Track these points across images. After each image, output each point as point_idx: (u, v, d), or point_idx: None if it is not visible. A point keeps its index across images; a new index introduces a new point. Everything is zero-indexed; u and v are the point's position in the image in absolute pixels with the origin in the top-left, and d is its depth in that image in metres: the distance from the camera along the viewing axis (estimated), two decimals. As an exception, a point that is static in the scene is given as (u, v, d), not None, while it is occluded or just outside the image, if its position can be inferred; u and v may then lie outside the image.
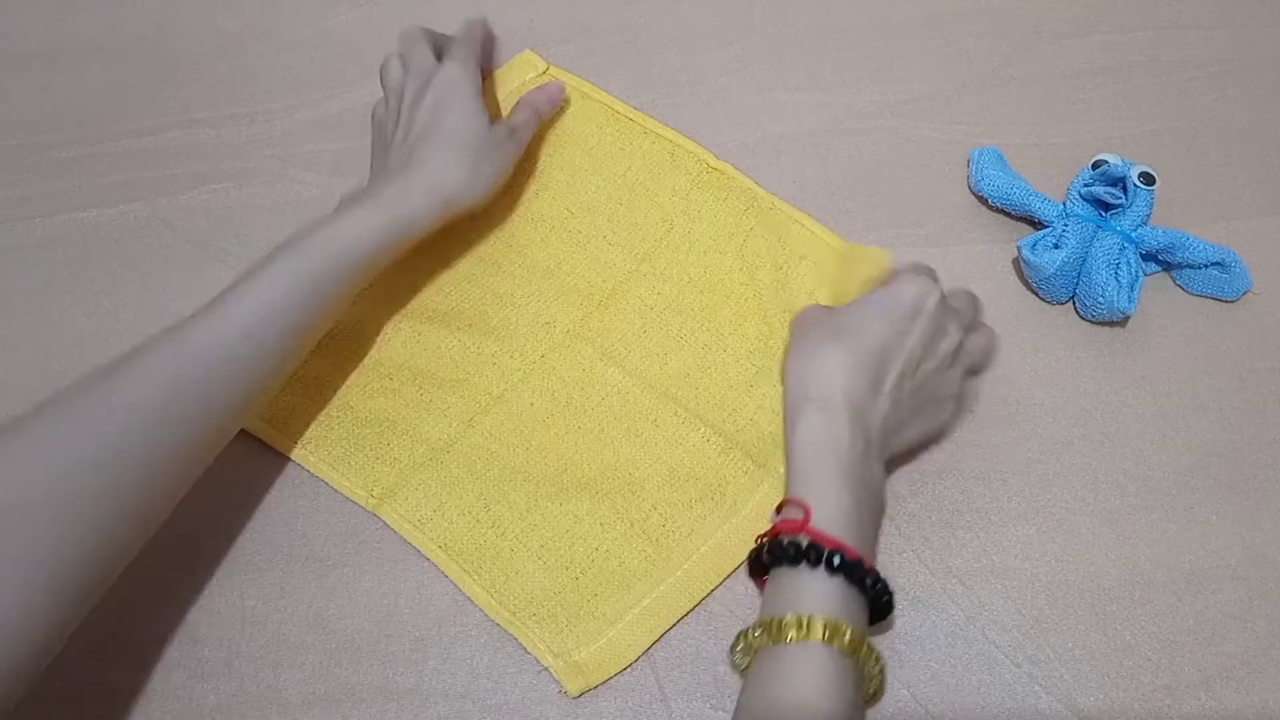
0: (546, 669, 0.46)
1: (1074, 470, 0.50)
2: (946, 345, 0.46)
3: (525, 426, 0.51)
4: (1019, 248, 0.54)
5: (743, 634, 0.41)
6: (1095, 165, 0.55)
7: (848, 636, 0.39)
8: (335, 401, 0.52)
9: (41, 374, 0.54)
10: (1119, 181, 0.54)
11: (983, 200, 0.58)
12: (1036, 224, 0.56)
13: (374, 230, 0.48)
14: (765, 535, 0.44)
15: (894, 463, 0.49)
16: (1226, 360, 0.53)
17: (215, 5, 0.69)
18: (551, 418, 0.52)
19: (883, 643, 0.45)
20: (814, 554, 0.41)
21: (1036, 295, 0.55)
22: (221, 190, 0.60)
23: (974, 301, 0.50)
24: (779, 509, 0.44)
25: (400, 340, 0.54)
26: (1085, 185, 0.55)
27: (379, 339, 0.54)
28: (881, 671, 0.41)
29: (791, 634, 0.39)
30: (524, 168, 0.58)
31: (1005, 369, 0.53)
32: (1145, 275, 0.54)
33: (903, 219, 0.58)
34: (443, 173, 0.51)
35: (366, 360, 0.53)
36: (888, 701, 0.44)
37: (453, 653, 0.46)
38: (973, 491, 0.49)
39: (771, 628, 0.40)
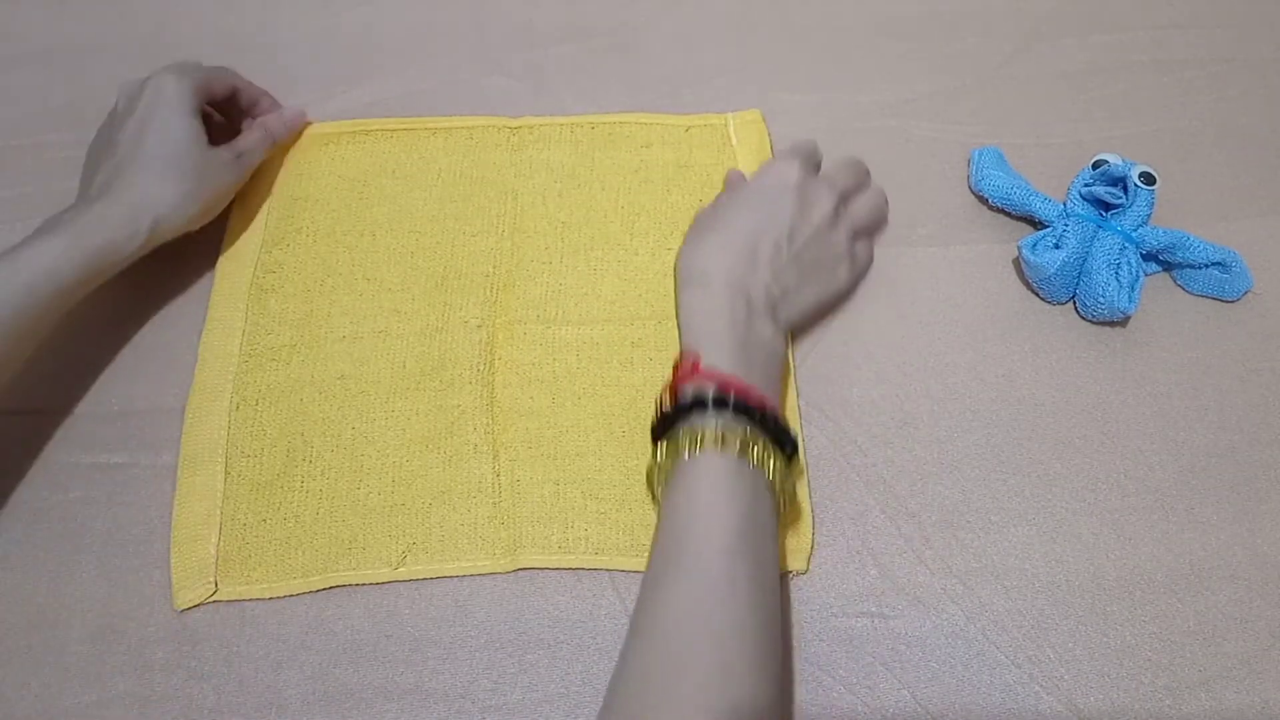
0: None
1: (1074, 470, 0.50)
2: (819, 212, 0.51)
3: (517, 424, 0.51)
4: (1019, 248, 0.54)
5: (665, 446, 0.43)
6: (1095, 165, 0.55)
7: (739, 441, 0.41)
8: (306, 514, 0.49)
9: (40, 373, 0.54)
10: (1119, 181, 0.54)
11: (983, 200, 0.58)
12: (1037, 224, 0.56)
13: (67, 261, 0.47)
14: (662, 393, 0.45)
15: (802, 326, 0.53)
16: (1227, 360, 0.53)
17: (215, 5, 0.69)
18: (536, 403, 0.52)
19: (883, 643, 0.46)
20: (703, 399, 0.43)
21: (1037, 295, 0.55)
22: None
23: (856, 167, 0.55)
24: (673, 371, 0.46)
25: (359, 428, 0.51)
26: (1085, 185, 0.55)
27: (332, 439, 0.51)
28: (787, 481, 0.44)
29: (686, 449, 0.42)
30: (338, 226, 0.57)
31: (1005, 369, 0.53)
32: (1146, 275, 0.54)
33: (903, 219, 0.58)
34: (147, 194, 0.49)
35: (330, 462, 0.50)
36: (888, 701, 0.44)
37: (453, 653, 0.46)
38: (973, 491, 0.49)
39: (672, 447, 0.43)
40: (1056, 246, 0.53)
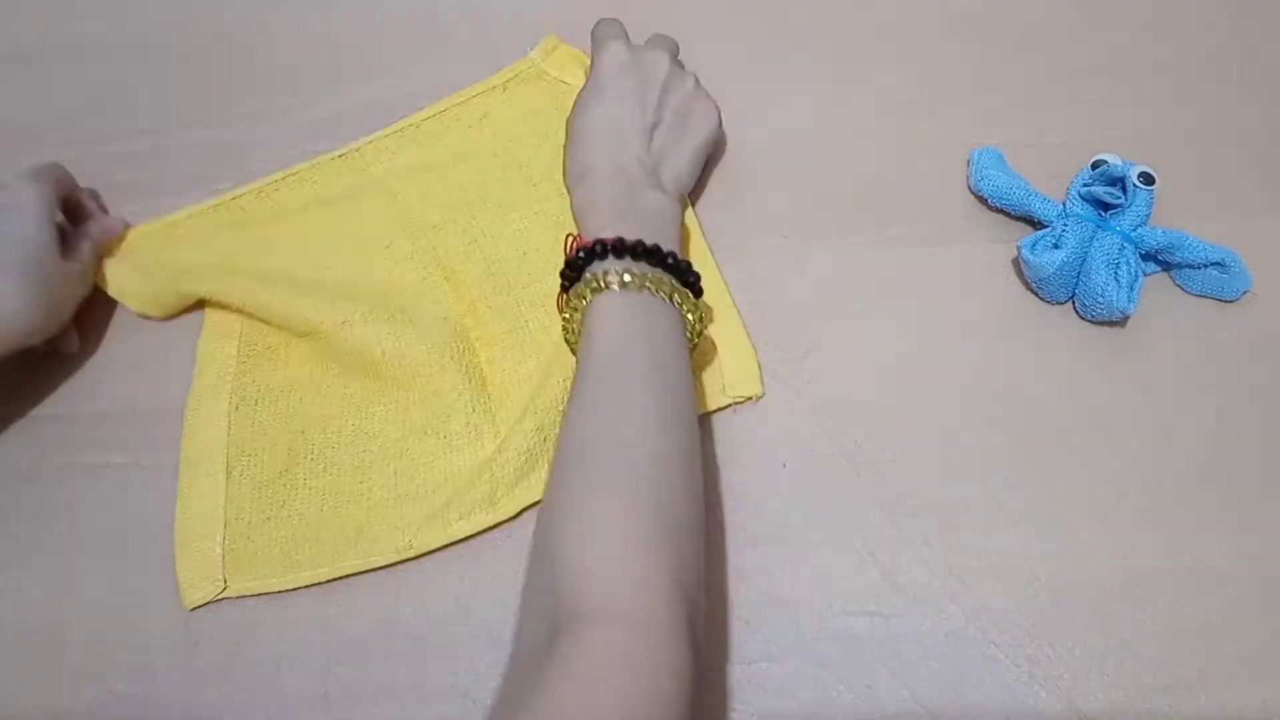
0: None
1: (1074, 470, 0.50)
2: (659, 71, 0.55)
3: (513, 394, 0.52)
4: (1019, 248, 0.54)
5: (563, 301, 0.46)
6: (1095, 165, 0.55)
7: (625, 276, 0.44)
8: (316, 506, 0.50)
9: (41, 374, 0.54)
10: (1119, 181, 0.54)
11: (982, 200, 0.58)
12: (1036, 224, 0.56)
13: None
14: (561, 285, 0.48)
15: (692, 180, 0.56)
16: (1226, 360, 0.53)
17: (215, 5, 0.69)
18: (525, 368, 0.52)
19: (884, 643, 0.46)
20: (584, 255, 0.45)
21: (1036, 295, 0.55)
22: (221, 190, 0.59)
23: (666, 39, 0.59)
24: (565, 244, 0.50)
25: (359, 423, 0.52)
26: (1085, 185, 0.55)
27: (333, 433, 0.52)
28: (689, 303, 0.46)
29: (584, 297, 0.44)
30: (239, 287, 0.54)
31: (1005, 368, 0.53)
32: (1145, 275, 0.54)
33: (903, 219, 0.58)
34: None
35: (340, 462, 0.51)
36: (888, 701, 0.44)
37: (453, 653, 0.46)
38: (973, 491, 0.49)
39: (570, 305, 0.45)
40: (1056, 246, 0.53)
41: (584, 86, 0.56)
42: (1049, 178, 0.57)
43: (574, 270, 0.46)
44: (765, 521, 0.49)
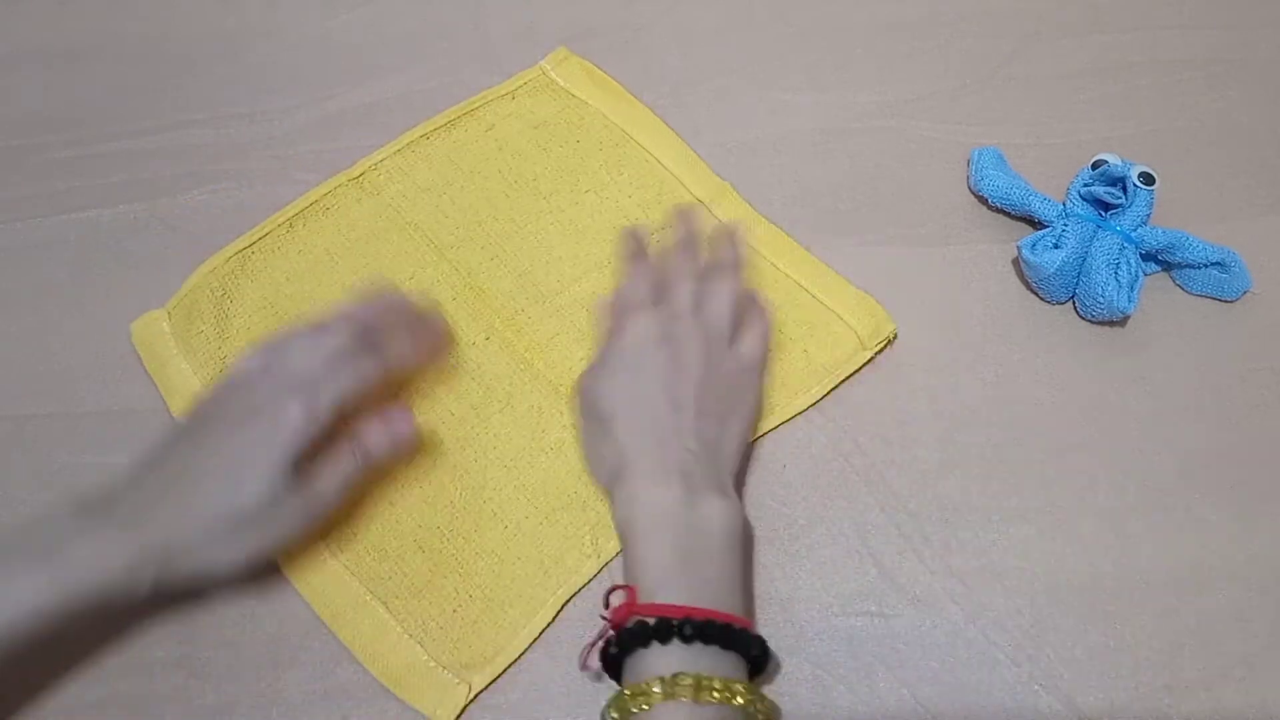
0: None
1: (1074, 470, 0.50)
2: (693, 351, 0.46)
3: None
4: (1019, 248, 0.54)
5: (612, 700, 0.39)
6: (1095, 165, 0.55)
7: (691, 685, 0.37)
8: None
9: (42, 374, 0.54)
10: (1119, 181, 0.55)
11: (983, 200, 0.58)
12: (1036, 224, 0.56)
13: (41, 608, 0.38)
14: (600, 637, 0.41)
15: (745, 458, 0.48)
16: (1226, 360, 0.53)
17: (215, 5, 0.69)
18: (589, 350, 0.53)
19: (884, 642, 0.46)
20: (642, 634, 0.38)
21: (1036, 295, 0.55)
22: (222, 190, 0.60)
23: (692, 247, 0.48)
24: (607, 597, 0.42)
25: (469, 479, 0.50)
26: (1085, 185, 0.55)
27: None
28: (760, 701, 0.39)
29: (633, 707, 0.37)
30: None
31: (1005, 369, 0.53)
32: (1145, 275, 0.54)
33: (903, 219, 0.58)
34: (186, 550, 0.41)
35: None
36: (888, 701, 0.44)
37: (453, 653, 0.46)
38: (973, 491, 0.49)
39: (619, 704, 0.38)
40: (1056, 246, 0.53)
41: (600, 357, 0.48)
42: (1049, 178, 0.58)
43: (621, 645, 0.39)
44: (765, 522, 0.49)
